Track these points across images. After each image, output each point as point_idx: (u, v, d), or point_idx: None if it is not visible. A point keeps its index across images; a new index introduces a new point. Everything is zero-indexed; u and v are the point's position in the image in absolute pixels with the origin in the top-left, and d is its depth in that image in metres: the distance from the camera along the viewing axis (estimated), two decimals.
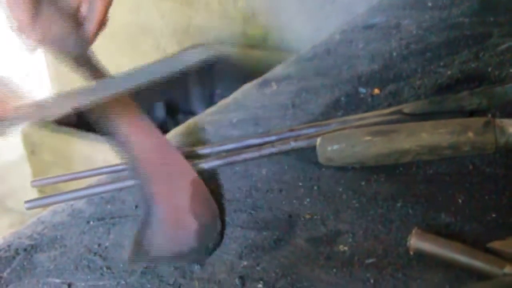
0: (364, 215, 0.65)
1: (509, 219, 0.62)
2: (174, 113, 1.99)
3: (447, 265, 0.56)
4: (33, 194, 1.20)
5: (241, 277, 0.58)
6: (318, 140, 0.74)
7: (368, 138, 0.72)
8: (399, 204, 0.66)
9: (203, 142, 0.85)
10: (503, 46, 0.99)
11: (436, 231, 0.60)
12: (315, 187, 0.71)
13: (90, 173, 0.78)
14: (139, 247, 0.62)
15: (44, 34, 0.71)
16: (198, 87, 2.10)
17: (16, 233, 0.70)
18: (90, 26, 0.74)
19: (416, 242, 0.57)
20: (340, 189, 0.70)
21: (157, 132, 0.69)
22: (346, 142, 0.72)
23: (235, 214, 0.68)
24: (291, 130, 0.81)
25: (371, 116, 0.81)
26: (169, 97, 2.02)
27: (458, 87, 0.89)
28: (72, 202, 0.74)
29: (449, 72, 0.94)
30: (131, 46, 2.43)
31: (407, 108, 0.80)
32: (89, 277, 0.61)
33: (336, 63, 1.07)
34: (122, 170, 0.75)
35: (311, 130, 0.80)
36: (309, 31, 1.92)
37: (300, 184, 0.72)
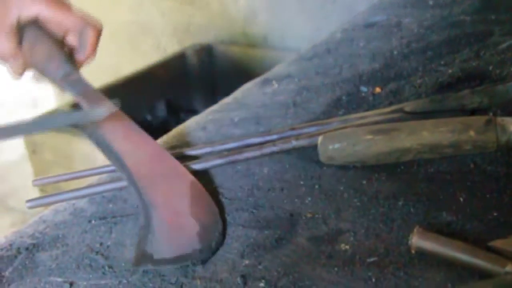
0: (365, 213, 0.65)
1: (510, 218, 0.62)
2: (176, 111, 1.99)
3: (449, 264, 0.56)
4: (34, 193, 1.20)
5: (243, 276, 0.59)
6: (320, 139, 0.74)
7: (369, 136, 0.72)
8: (400, 203, 0.66)
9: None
10: (504, 45, 0.99)
11: (437, 230, 0.60)
12: (317, 186, 0.71)
13: (92, 172, 0.78)
14: (142, 253, 0.62)
15: (28, 60, 0.72)
16: (199, 86, 2.10)
17: (18, 232, 0.70)
18: (79, 56, 0.74)
19: (418, 240, 0.57)
20: (342, 188, 0.70)
21: (150, 140, 0.70)
22: (347, 141, 0.72)
23: (237, 213, 0.68)
24: (292, 129, 0.81)
25: (372, 115, 0.81)
26: (171, 96, 2.02)
27: (459, 85, 0.89)
28: (73, 201, 0.74)
29: (450, 71, 0.94)
30: (131, 45, 2.43)
31: (408, 106, 0.80)
32: (91, 276, 0.61)
33: (337, 62, 1.07)
34: None
35: (312, 129, 0.81)
36: (309, 30, 1.92)
37: (302, 183, 0.72)
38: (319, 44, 1.18)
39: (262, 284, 0.57)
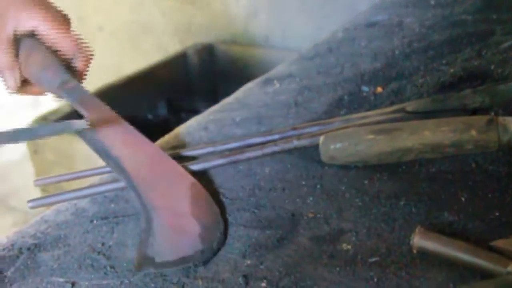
0: (367, 213, 0.65)
1: None
2: (177, 111, 1.99)
3: (451, 264, 0.56)
4: (36, 193, 1.20)
5: (245, 276, 0.59)
6: (321, 138, 0.74)
7: (371, 136, 0.72)
8: (402, 203, 0.66)
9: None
10: (506, 44, 0.99)
11: (439, 230, 0.60)
12: (318, 186, 0.71)
13: (93, 172, 0.78)
14: (143, 256, 0.62)
15: (24, 70, 0.72)
16: (200, 86, 2.10)
17: (20, 232, 0.70)
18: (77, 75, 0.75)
19: (419, 240, 0.57)
20: (343, 188, 0.70)
21: (148, 143, 0.70)
22: (349, 141, 0.72)
23: (238, 213, 0.68)
24: (294, 129, 0.81)
25: (374, 115, 0.81)
26: (172, 95, 2.02)
27: (461, 85, 0.89)
28: (75, 201, 0.74)
29: (451, 70, 0.94)
30: (132, 45, 2.43)
31: (409, 106, 0.80)
32: (92, 276, 0.61)
33: (339, 61, 1.07)
34: None
35: (314, 129, 0.80)
36: (311, 30, 1.92)
37: (303, 182, 0.72)
38: (320, 43, 1.17)
39: (264, 284, 0.57)
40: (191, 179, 0.70)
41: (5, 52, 0.72)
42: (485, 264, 0.54)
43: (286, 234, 0.64)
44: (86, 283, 0.60)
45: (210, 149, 0.80)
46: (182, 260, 0.61)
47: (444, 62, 0.98)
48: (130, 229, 0.68)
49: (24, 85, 0.75)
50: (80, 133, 0.68)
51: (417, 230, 0.58)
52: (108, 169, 0.78)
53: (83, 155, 1.54)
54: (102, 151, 0.68)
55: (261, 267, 0.60)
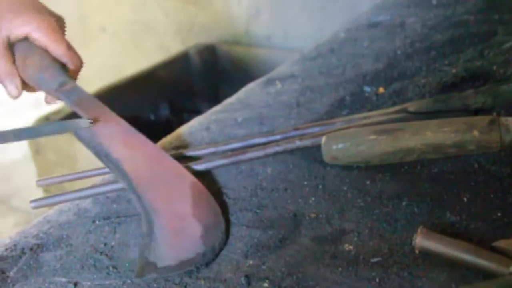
0: (369, 214, 0.65)
1: None
2: (179, 112, 1.99)
3: (453, 264, 0.56)
4: (38, 193, 1.20)
5: (247, 276, 0.59)
6: (323, 139, 0.74)
7: (373, 137, 0.72)
8: (404, 203, 0.66)
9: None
10: (508, 44, 0.99)
11: (441, 230, 0.60)
12: (320, 186, 0.71)
13: (95, 173, 0.78)
14: (145, 262, 0.61)
15: (21, 74, 0.72)
16: (202, 86, 2.10)
17: (22, 232, 0.70)
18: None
19: (422, 240, 0.57)
20: (345, 188, 0.70)
21: (148, 143, 0.69)
22: (351, 141, 0.72)
23: (241, 213, 0.68)
24: (296, 129, 0.81)
25: (376, 115, 0.81)
26: (174, 96, 2.02)
27: (463, 85, 0.89)
28: (77, 202, 0.74)
29: (454, 71, 0.94)
30: (134, 45, 2.43)
31: (412, 106, 0.80)
32: (95, 276, 0.61)
33: (341, 61, 1.07)
34: None
35: (316, 129, 0.80)
36: (312, 30, 1.92)
37: (305, 183, 0.72)
38: (322, 44, 1.18)
39: (266, 284, 0.57)
40: (192, 178, 0.69)
41: (2, 60, 0.72)
42: (487, 264, 0.54)
43: (288, 234, 0.64)
44: (89, 283, 0.60)
45: (212, 149, 0.80)
46: (184, 264, 0.61)
47: (446, 62, 0.98)
48: (132, 229, 0.68)
49: (25, 88, 0.75)
50: (79, 135, 0.68)
51: (419, 230, 0.58)
52: None
53: (85, 156, 1.55)
54: (101, 153, 0.68)
55: (263, 267, 0.60)
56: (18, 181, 2.34)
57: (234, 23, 2.12)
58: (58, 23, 0.75)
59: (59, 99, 0.72)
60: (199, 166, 0.76)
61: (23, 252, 0.66)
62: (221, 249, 0.63)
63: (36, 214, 0.77)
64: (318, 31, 1.85)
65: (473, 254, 0.55)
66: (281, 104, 0.94)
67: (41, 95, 0.77)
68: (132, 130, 0.69)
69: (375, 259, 0.59)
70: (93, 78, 2.07)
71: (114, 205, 0.72)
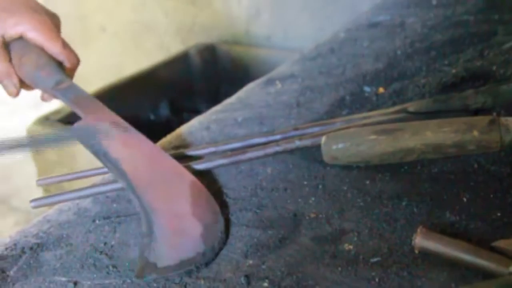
0: (369, 214, 0.65)
1: None
2: (179, 111, 1.99)
3: (452, 264, 0.56)
4: (38, 193, 1.20)
5: (247, 276, 0.59)
6: (323, 139, 0.74)
7: (373, 136, 0.72)
8: (404, 203, 0.66)
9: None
10: (508, 44, 0.99)
11: (441, 230, 0.60)
12: (320, 186, 0.71)
13: (95, 172, 0.78)
14: (145, 262, 0.61)
15: (18, 73, 0.72)
16: (202, 86, 2.10)
17: (22, 232, 0.70)
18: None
19: (421, 240, 0.57)
20: (345, 188, 0.70)
21: (147, 142, 0.69)
22: (351, 141, 0.72)
23: (240, 213, 0.68)
24: (296, 129, 0.81)
25: (376, 115, 0.81)
26: (174, 95, 2.02)
27: (463, 85, 0.89)
28: (77, 201, 0.74)
29: (454, 71, 0.94)
30: (134, 44, 2.43)
31: (411, 106, 0.80)
32: (95, 275, 0.61)
33: (341, 61, 1.07)
34: None
35: (316, 129, 0.81)
36: (312, 30, 1.92)
37: (305, 183, 0.72)
38: (322, 44, 1.18)
39: (265, 284, 0.57)
40: (191, 177, 0.69)
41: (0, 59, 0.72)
42: (487, 264, 0.54)
43: (288, 234, 0.64)
44: (89, 282, 0.61)
45: (212, 149, 0.80)
46: (184, 264, 0.61)
47: (446, 62, 0.98)
48: (132, 228, 0.68)
49: (22, 86, 0.75)
50: (77, 135, 0.67)
51: (419, 230, 0.58)
52: None
53: (85, 155, 1.55)
54: (100, 153, 0.67)
55: (263, 267, 0.60)
56: (18, 181, 2.34)
57: (234, 23, 2.12)
58: (53, 22, 0.75)
59: (55, 97, 0.72)
60: (199, 166, 0.76)
61: (23, 251, 0.66)
62: (220, 249, 0.63)
63: (36, 214, 0.77)
64: (318, 31, 1.85)
65: (472, 254, 0.55)
66: (281, 104, 0.94)
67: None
68: (131, 129, 0.69)
69: (375, 259, 0.59)
70: (93, 78, 2.07)
71: (114, 205, 0.72)
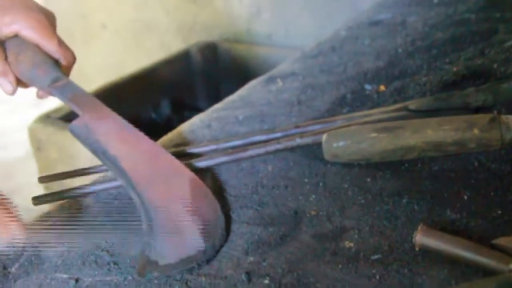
0: (369, 211, 0.66)
1: None
2: (180, 110, 2.00)
3: (453, 261, 0.56)
4: (39, 190, 1.20)
5: (248, 273, 0.59)
6: (324, 136, 0.74)
7: (373, 134, 0.72)
8: (404, 201, 0.66)
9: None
10: (509, 43, 0.99)
11: (441, 228, 0.60)
12: (321, 184, 0.71)
13: (96, 170, 0.78)
14: (146, 260, 0.61)
15: (14, 71, 0.71)
16: (203, 84, 2.10)
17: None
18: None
19: (422, 238, 0.57)
20: (346, 186, 0.70)
21: (145, 139, 0.68)
22: (352, 139, 0.72)
23: (242, 210, 0.68)
24: (297, 127, 0.81)
25: (377, 113, 0.81)
26: (175, 94, 2.02)
27: (464, 83, 0.89)
28: (79, 198, 0.74)
29: (454, 69, 0.94)
30: (135, 43, 2.44)
31: (412, 104, 0.80)
32: (96, 272, 0.62)
33: (342, 60, 1.07)
34: None
35: (317, 127, 0.81)
36: (313, 28, 1.92)
37: (306, 180, 0.73)
38: (323, 42, 1.18)
39: (266, 281, 0.58)
40: (191, 174, 0.68)
41: None
42: (487, 262, 0.55)
43: (288, 231, 0.64)
44: (90, 279, 0.61)
45: (213, 146, 0.80)
46: (186, 261, 0.61)
47: (447, 60, 0.98)
48: (134, 226, 0.68)
49: (19, 84, 0.74)
50: (75, 132, 0.67)
51: (419, 227, 0.58)
52: None
53: (86, 153, 1.55)
54: (99, 151, 0.66)
55: (264, 264, 0.60)
56: (19, 179, 2.35)
57: (235, 22, 2.12)
58: (49, 19, 0.74)
59: (52, 95, 0.72)
60: (200, 163, 0.76)
61: (24, 248, 0.66)
62: (221, 246, 0.63)
63: (37, 211, 0.77)
64: (319, 29, 1.85)
65: (473, 252, 0.55)
66: (282, 102, 0.94)
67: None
68: (129, 126, 0.68)
69: (375, 256, 0.59)
70: (94, 76, 2.07)
71: (115, 202, 0.72)
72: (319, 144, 0.76)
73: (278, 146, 0.78)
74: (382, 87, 0.93)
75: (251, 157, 0.77)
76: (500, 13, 1.14)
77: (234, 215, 0.68)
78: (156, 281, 0.60)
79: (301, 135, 0.78)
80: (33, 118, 1.70)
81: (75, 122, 0.67)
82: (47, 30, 0.72)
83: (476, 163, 0.71)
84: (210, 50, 2.11)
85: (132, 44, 2.44)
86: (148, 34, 2.39)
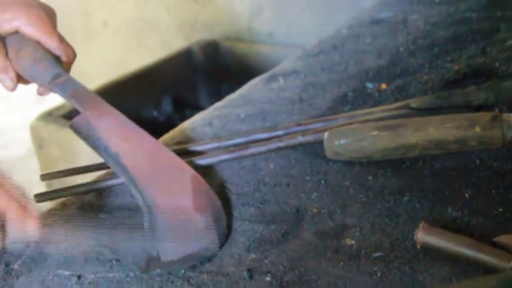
0: (371, 209, 0.66)
1: None
2: (182, 108, 2.00)
3: (454, 259, 0.56)
4: (41, 188, 1.21)
5: (249, 270, 0.59)
6: (326, 134, 0.74)
7: (375, 132, 0.72)
8: (406, 198, 0.66)
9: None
10: (510, 41, 0.99)
11: (443, 225, 0.61)
12: (322, 181, 0.72)
13: (99, 167, 0.79)
14: (149, 256, 0.61)
15: (15, 67, 0.71)
16: (205, 82, 2.10)
17: None
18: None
19: (423, 236, 0.58)
20: (347, 183, 0.71)
21: (147, 136, 0.68)
22: (353, 137, 0.73)
23: (243, 208, 0.69)
24: (299, 125, 0.81)
25: (378, 111, 0.81)
26: (177, 92, 2.02)
27: (465, 82, 0.89)
28: (81, 196, 0.74)
29: (456, 67, 0.94)
30: (137, 41, 2.44)
31: (414, 103, 0.80)
32: (98, 269, 0.62)
33: (343, 58, 1.07)
34: None
35: (318, 125, 0.81)
36: (315, 26, 1.92)
37: (308, 178, 0.73)
38: (325, 40, 1.18)
39: (268, 278, 0.58)
40: (192, 171, 0.68)
41: None
42: (488, 259, 0.55)
43: (290, 229, 0.64)
44: (92, 276, 0.61)
45: (215, 144, 0.80)
46: (188, 258, 0.61)
47: (449, 59, 0.99)
48: (136, 223, 0.68)
49: (20, 80, 0.74)
50: (76, 129, 0.67)
51: (420, 225, 0.58)
52: None
53: (88, 150, 1.55)
54: (100, 147, 0.66)
55: (266, 261, 0.60)
56: (21, 176, 2.35)
57: (237, 20, 2.12)
58: (49, 16, 0.74)
59: (53, 91, 0.71)
60: (202, 161, 0.76)
61: (27, 245, 0.66)
62: (223, 243, 0.63)
63: (39, 208, 0.77)
64: (321, 28, 1.84)
65: (474, 249, 0.56)
66: (283, 100, 0.94)
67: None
68: (130, 123, 0.68)
69: (377, 254, 0.59)
70: (96, 74, 2.07)
71: (118, 199, 0.73)
72: (320, 142, 0.76)
73: (280, 144, 0.78)
74: (383, 86, 0.94)
75: (253, 155, 0.78)
76: (502, 11, 1.14)
77: (236, 213, 0.68)
78: (158, 278, 0.60)
79: (303, 133, 0.79)
80: (35, 116, 1.70)
81: (76, 119, 0.67)
82: (48, 26, 0.72)
83: (478, 161, 0.71)
84: (212, 48, 2.11)
85: (134, 42, 2.44)
86: (149, 32, 2.39)
